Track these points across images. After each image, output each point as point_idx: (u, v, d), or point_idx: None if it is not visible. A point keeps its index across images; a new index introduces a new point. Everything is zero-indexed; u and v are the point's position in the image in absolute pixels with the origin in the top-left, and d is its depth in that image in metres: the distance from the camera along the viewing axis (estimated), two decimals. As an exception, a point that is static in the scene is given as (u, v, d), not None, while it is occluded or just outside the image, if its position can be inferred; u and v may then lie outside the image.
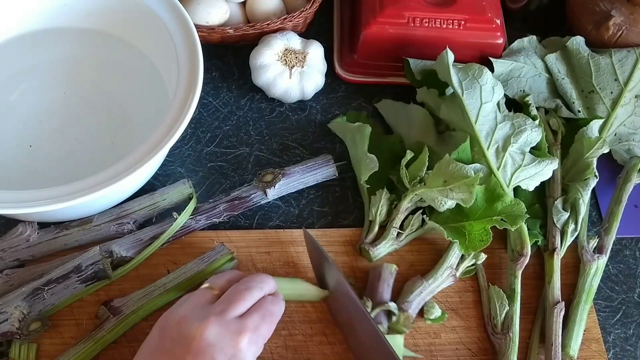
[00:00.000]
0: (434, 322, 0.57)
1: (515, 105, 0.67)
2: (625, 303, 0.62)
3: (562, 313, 0.57)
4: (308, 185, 0.64)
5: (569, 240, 0.61)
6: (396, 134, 0.67)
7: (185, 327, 0.45)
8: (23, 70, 0.67)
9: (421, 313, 0.58)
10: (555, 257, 0.60)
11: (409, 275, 0.60)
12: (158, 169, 0.64)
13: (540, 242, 0.61)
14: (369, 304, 0.55)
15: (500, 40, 0.68)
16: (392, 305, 0.55)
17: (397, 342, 0.54)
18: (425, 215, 0.60)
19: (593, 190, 0.65)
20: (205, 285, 0.50)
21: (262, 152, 0.67)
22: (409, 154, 0.60)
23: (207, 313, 0.45)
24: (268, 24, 0.67)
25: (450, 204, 0.58)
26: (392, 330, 0.56)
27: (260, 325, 0.46)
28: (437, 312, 0.57)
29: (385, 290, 0.57)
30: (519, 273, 0.59)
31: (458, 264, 0.59)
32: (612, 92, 0.67)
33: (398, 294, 0.58)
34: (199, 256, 0.57)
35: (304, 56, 0.67)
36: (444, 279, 0.58)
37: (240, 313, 0.47)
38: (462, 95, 0.60)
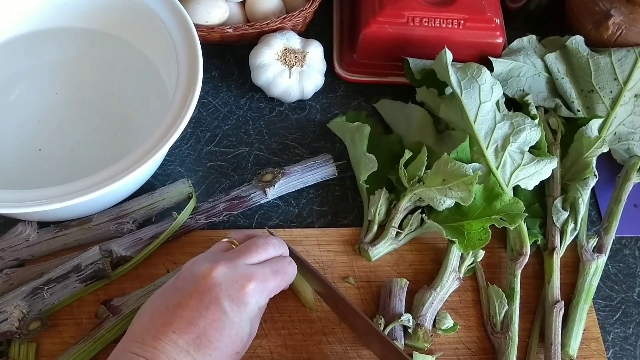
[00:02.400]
0: (445, 333, 0.57)
1: (514, 104, 0.67)
2: (624, 302, 0.62)
3: (562, 312, 0.57)
4: (307, 185, 0.64)
5: (569, 239, 0.61)
6: (395, 133, 0.67)
7: (196, 267, 0.46)
8: (23, 70, 0.67)
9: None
10: (554, 256, 0.60)
11: (409, 275, 0.60)
12: (158, 169, 0.64)
13: (539, 241, 0.61)
14: (382, 321, 0.55)
15: (500, 40, 0.68)
16: (406, 318, 0.55)
17: None
18: (424, 215, 0.60)
19: (592, 189, 0.65)
20: (225, 239, 0.51)
21: (262, 151, 0.67)
22: (408, 154, 0.60)
23: (220, 257, 0.47)
24: (267, 24, 0.67)
25: (449, 203, 0.58)
26: (411, 347, 0.55)
27: (269, 277, 0.48)
28: (449, 322, 0.57)
29: (398, 305, 0.56)
30: (519, 272, 0.59)
31: (459, 265, 0.59)
32: (611, 92, 0.67)
33: (408, 308, 0.58)
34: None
35: (304, 56, 0.67)
36: (450, 284, 0.58)
37: (252, 262, 0.48)
38: (461, 95, 0.60)
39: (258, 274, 0.47)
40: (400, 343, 0.54)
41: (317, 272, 0.55)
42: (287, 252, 0.53)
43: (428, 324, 0.56)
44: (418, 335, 0.55)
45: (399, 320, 0.55)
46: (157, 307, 0.45)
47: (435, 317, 0.57)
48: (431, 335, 0.55)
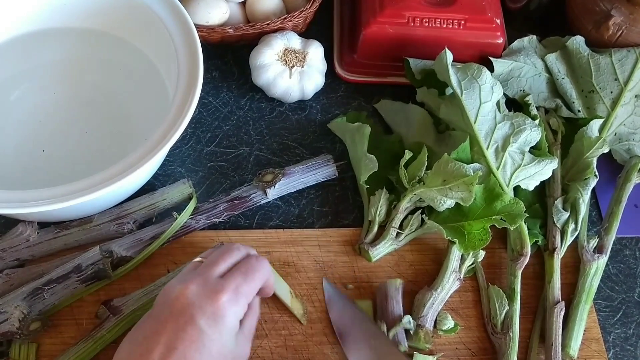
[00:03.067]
0: (446, 333, 0.57)
1: (515, 105, 0.67)
2: (625, 303, 0.62)
3: (562, 313, 0.57)
4: (308, 185, 0.64)
5: (569, 240, 0.61)
6: (396, 134, 0.67)
7: (168, 291, 0.45)
8: (23, 70, 0.67)
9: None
10: (555, 256, 0.60)
11: (409, 276, 0.60)
12: (158, 169, 0.64)
13: (540, 241, 0.61)
14: (384, 326, 0.55)
15: (500, 40, 0.68)
16: (407, 320, 0.55)
17: None
18: (424, 215, 0.60)
19: (593, 190, 0.65)
20: (197, 258, 0.50)
21: (262, 151, 0.67)
22: (408, 154, 0.60)
23: (191, 276, 0.46)
24: (268, 24, 0.67)
25: (449, 203, 0.58)
26: (413, 348, 0.55)
27: (242, 284, 0.46)
28: (450, 323, 0.57)
29: (396, 307, 0.56)
30: (519, 273, 0.59)
31: (460, 266, 0.59)
32: (612, 92, 0.67)
33: (408, 309, 0.58)
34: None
35: (304, 56, 0.67)
36: (450, 284, 0.58)
37: (220, 273, 0.47)
38: (461, 95, 0.60)
39: (228, 284, 0.46)
40: (403, 346, 0.54)
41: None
42: (251, 250, 0.51)
43: (429, 324, 0.56)
44: (419, 336, 0.55)
45: (400, 323, 0.55)
46: (135, 338, 0.44)
47: (436, 317, 0.57)
48: (432, 336, 0.55)
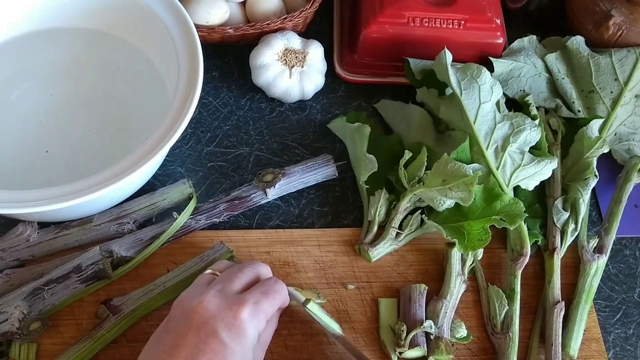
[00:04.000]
0: (459, 341, 0.56)
1: (515, 105, 0.67)
2: (625, 303, 0.62)
3: (562, 313, 0.57)
4: (308, 185, 0.64)
5: (569, 240, 0.61)
6: (395, 134, 0.67)
7: (187, 304, 0.45)
8: (23, 70, 0.67)
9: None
10: (555, 256, 0.60)
11: (410, 276, 0.60)
12: (158, 169, 0.64)
13: (540, 241, 0.61)
14: (404, 328, 0.55)
15: (500, 40, 0.68)
16: (428, 324, 0.55)
17: None
18: (424, 215, 0.60)
19: (593, 190, 0.65)
20: (208, 271, 0.51)
21: (262, 151, 0.67)
22: (408, 154, 0.60)
23: (207, 289, 0.46)
24: (268, 24, 0.67)
25: (449, 203, 0.58)
26: None
27: (261, 299, 0.47)
28: (463, 331, 0.56)
29: (418, 311, 0.56)
30: (519, 273, 0.59)
31: (462, 268, 0.59)
32: (612, 92, 0.67)
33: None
34: (199, 255, 0.57)
35: (304, 56, 0.67)
36: (458, 288, 0.58)
37: (238, 289, 0.47)
38: (461, 95, 0.60)
39: (249, 298, 0.46)
40: (422, 349, 0.54)
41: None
42: (269, 272, 0.52)
43: (447, 334, 0.55)
44: (441, 348, 0.54)
45: (422, 326, 0.54)
46: (154, 354, 0.44)
47: (450, 325, 0.57)
48: (453, 345, 0.55)
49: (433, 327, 0.55)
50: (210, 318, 0.44)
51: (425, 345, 0.55)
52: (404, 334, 0.54)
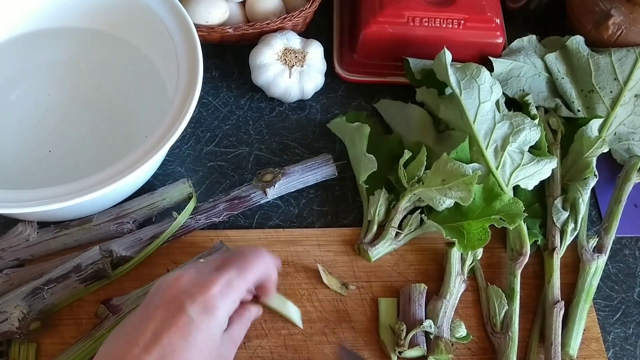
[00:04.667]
0: (458, 341, 0.56)
1: (515, 104, 0.67)
2: (624, 302, 0.62)
3: (562, 312, 0.57)
4: (308, 185, 0.64)
5: (569, 239, 0.61)
6: (395, 133, 0.67)
7: (162, 281, 0.45)
8: (23, 70, 0.67)
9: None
10: (554, 256, 0.60)
11: (409, 275, 0.60)
12: (158, 169, 0.64)
13: (539, 241, 0.61)
14: (404, 327, 0.55)
15: (500, 40, 0.68)
16: (428, 324, 0.55)
17: None
18: (423, 215, 0.60)
19: (593, 189, 0.65)
20: (200, 260, 0.50)
21: (262, 151, 0.67)
22: (407, 154, 0.60)
23: (185, 268, 0.46)
24: (268, 24, 0.67)
25: (448, 203, 0.58)
26: None
27: (235, 278, 0.45)
28: (463, 331, 0.56)
29: (418, 310, 0.56)
30: (519, 272, 0.59)
31: (462, 267, 0.59)
32: (611, 92, 0.67)
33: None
34: (198, 255, 0.57)
35: (304, 55, 0.67)
36: (457, 288, 0.58)
37: (217, 267, 0.46)
38: (460, 95, 0.60)
39: (221, 276, 0.45)
40: (422, 349, 0.54)
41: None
42: (269, 261, 0.50)
43: (446, 334, 0.55)
44: (440, 348, 0.54)
45: (421, 326, 0.55)
46: (124, 326, 0.44)
47: (450, 325, 0.57)
48: (452, 345, 0.55)
49: (432, 326, 0.55)
50: (181, 293, 0.43)
51: (425, 344, 0.55)
52: (404, 334, 0.54)
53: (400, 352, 0.55)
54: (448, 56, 0.61)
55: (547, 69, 0.69)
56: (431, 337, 0.55)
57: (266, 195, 0.61)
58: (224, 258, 0.48)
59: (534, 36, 0.71)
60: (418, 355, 0.55)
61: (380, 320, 0.57)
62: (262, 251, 0.49)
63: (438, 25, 0.67)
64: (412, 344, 0.54)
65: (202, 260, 0.50)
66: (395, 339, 0.55)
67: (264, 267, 0.48)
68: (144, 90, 0.66)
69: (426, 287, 0.58)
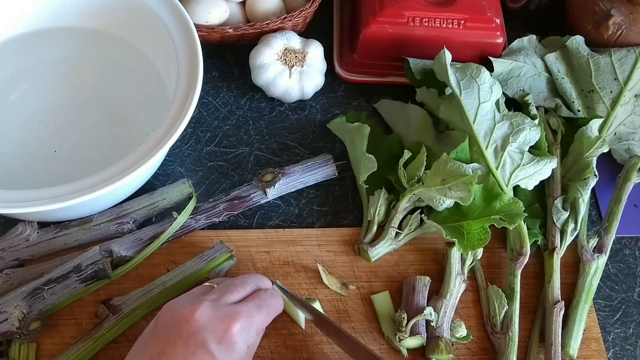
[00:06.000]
0: (458, 341, 0.56)
1: (515, 104, 0.67)
2: (625, 302, 0.62)
3: (562, 312, 0.57)
4: (308, 185, 0.64)
5: (569, 239, 0.61)
6: (395, 133, 0.68)
7: (177, 312, 0.45)
8: (23, 70, 0.67)
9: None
10: (555, 256, 0.60)
11: (409, 275, 0.60)
12: (158, 169, 0.64)
13: (539, 241, 0.61)
14: (405, 315, 0.55)
15: (500, 40, 0.68)
16: (428, 312, 0.55)
17: None
18: (423, 215, 0.60)
19: (593, 189, 0.65)
20: (206, 283, 0.50)
21: (262, 151, 0.67)
22: (407, 154, 0.60)
23: (202, 299, 0.46)
24: (268, 24, 0.67)
25: (448, 203, 0.58)
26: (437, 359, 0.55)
27: (255, 313, 0.46)
28: (463, 331, 0.56)
29: (420, 301, 0.56)
30: (519, 272, 0.59)
31: (462, 267, 0.59)
32: (611, 92, 0.67)
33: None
34: (198, 255, 0.57)
35: (304, 56, 0.67)
36: (457, 288, 0.58)
37: (233, 301, 0.47)
38: (460, 95, 0.60)
39: (242, 312, 0.45)
40: (422, 337, 0.55)
41: (305, 302, 0.54)
42: (269, 285, 0.52)
43: (447, 333, 0.56)
44: (440, 348, 0.54)
45: (422, 314, 0.55)
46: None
47: (450, 325, 0.57)
48: (452, 344, 0.55)
49: (433, 314, 0.55)
50: (201, 329, 0.43)
51: (425, 333, 0.55)
52: (405, 322, 0.54)
53: (400, 339, 0.54)
54: (448, 56, 0.61)
55: (547, 69, 0.69)
56: (432, 324, 0.55)
57: (266, 195, 0.61)
58: (237, 287, 0.48)
59: (534, 36, 0.71)
60: (418, 344, 0.55)
61: (379, 315, 0.57)
62: (276, 294, 0.50)
63: (438, 25, 0.67)
64: (413, 332, 0.54)
65: (208, 283, 0.50)
66: (396, 326, 0.55)
67: (279, 308, 0.50)
68: (144, 90, 0.66)
69: (430, 280, 0.58)
